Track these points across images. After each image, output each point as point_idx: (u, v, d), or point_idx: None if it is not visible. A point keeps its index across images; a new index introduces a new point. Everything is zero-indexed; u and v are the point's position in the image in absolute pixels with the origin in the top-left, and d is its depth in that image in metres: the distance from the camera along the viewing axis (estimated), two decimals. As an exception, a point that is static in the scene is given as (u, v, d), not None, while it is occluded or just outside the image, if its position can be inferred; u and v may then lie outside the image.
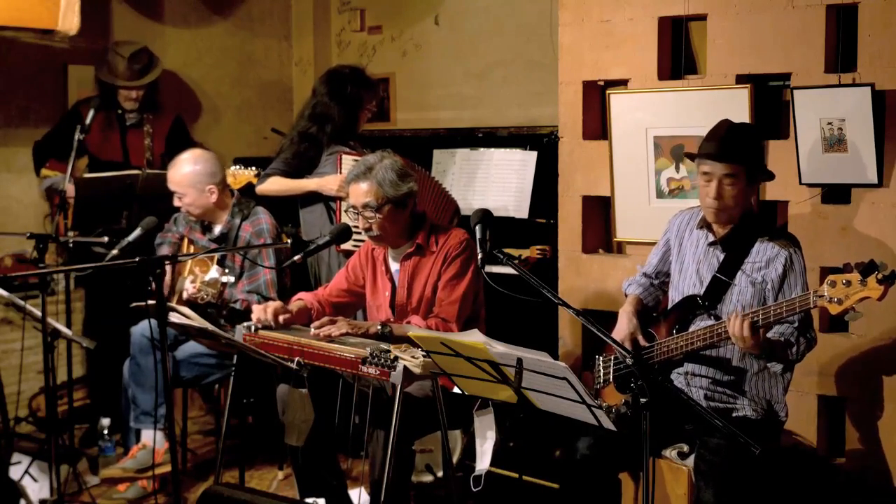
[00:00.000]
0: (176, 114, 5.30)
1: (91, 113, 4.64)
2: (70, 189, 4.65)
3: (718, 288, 3.23)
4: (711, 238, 3.28)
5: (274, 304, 3.57)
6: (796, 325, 3.10)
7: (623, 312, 3.43)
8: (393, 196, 3.52)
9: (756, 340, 2.94)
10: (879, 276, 2.75)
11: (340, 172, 4.43)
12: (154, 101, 5.16)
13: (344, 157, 4.45)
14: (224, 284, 4.01)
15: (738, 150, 3.16)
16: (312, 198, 4.58)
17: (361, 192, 3.53)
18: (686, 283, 3.34)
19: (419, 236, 3.62)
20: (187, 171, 4.26)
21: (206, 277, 3.95)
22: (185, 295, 4.06)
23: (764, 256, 3.18)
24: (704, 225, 3.30)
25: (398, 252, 3.66)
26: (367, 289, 3.76)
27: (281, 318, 3.53)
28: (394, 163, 3.58)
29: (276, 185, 4.54)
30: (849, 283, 2.79)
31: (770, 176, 3.29)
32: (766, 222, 3.34)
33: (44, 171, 5.03)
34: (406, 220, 3.61)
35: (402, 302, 3.63)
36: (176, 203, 4.31)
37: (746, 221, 3.24)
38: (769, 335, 3.06)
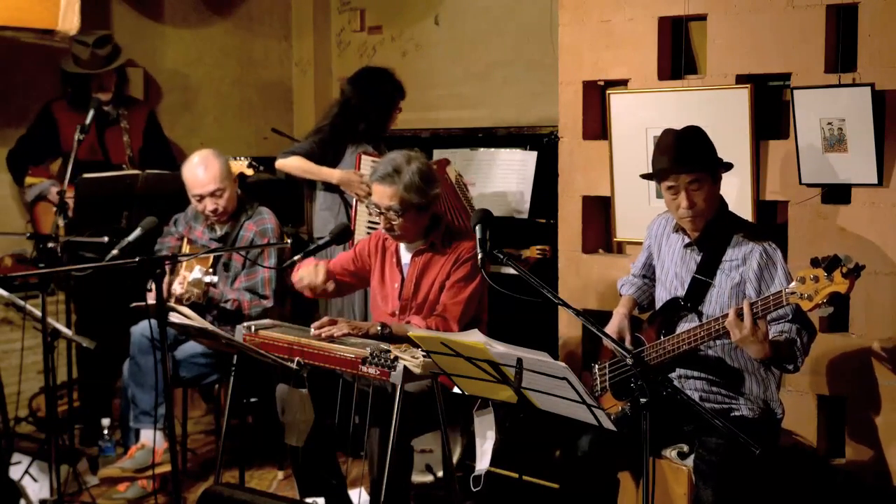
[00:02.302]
0: (149, 108, 5.20)
1: (91, 113, 4.60)
2: (70, 189, 4.62)
3: (699, 289, 3.24)
4: (687, 240, 3.29)
5: (324, 266, 3.60)
6: (790, 317, 3.09)
7: (616, 313, 3.46)
8: (418, 202, 3.51)
9: (755, 329, 2.88)
10: (844, 269, 2.77)
11: (359, 171, 4.45)
12: (124, 93, 5.01)
13: (363, 157, 4.48)
14: (208, 284, 4.01)
15: (694, 155, 3.16)
16: (331, 196, 4.58)
17: (387, 195, 3.50)
18: (669, 286, 3.36)
19: (434, 234, 3.63)
20: (220, 165, 4.24)
21: (190, 277, 3.94)
22: (172, 296, 4.05)
23: (739, 253, 3.18)
24: (679, 228, 3.32)
25: (412, 246, 3.67)
26: (373, 277, 3.76)
27: (330, 285, 3.59)
28: (421, 166, 3.54)
29: (297, 163, 4.53)
30: (816, 279, 2.81)
31: (728, 165, 3.27)
32: (738, 219, 3.34)
33: (28, 179, 4.87)
34: (426, 222, 3.61)
35: (408, 296, 3.63)
36: (210, 207, 4.23)
37: (720, 220, 3.25)
38: (773, 330, 3.05)
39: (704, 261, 3.24)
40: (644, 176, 3.38)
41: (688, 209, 3.17)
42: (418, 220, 3.57)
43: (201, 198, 4.25)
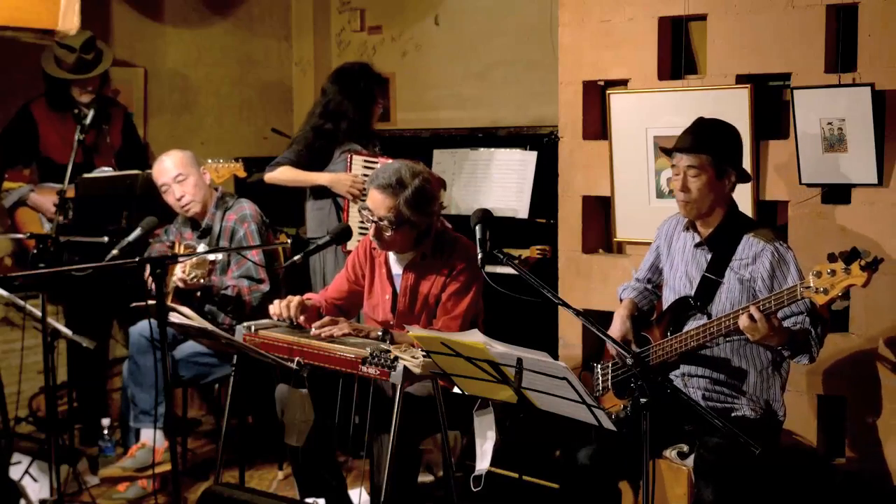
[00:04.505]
0: (125, 108, 5.13)
1: (91, 113, 4.59)
2: (70, 191, 4.60)
3: (708, 287, 3.24)
4: (697, 239, 3.30)
5: (296, 300, 3.52)
6: (805, 313, 3.10)
7: (617, 315, 3.46)
8: (415, 219, 3.43)
9: (771, 326, 2.91)
10: (862, 262, 2.78)
11: (350, 172, 4.45)
12: (105, 94, 4.91)
13: (354, 157, 4.48)
14: (213, 262, 4.00)
15: (701, 142, 3.19)
16: (322, 195, 4.59)
17: (384, 206, 3.39)
18: (677, 285, 3.36)
19: (425, 245, 3.56)
20: (181, 154, 4.33)
21: (194, 258, 3.92)
22: (177, 282, 4.03)
23: (750, 252, 3.19)
24: (690, 226, 3.32)
25: (402, 257, 3.60)
26: (364, 286, 3.74)
27: (302, 318, 3.49)
28: (425, 183, 3.43)
29: (286, 174, 4.55)
30: (833, 273, 2.81)
31: (746, 178, 3.29)
32: (748, 219, 3.34)
33: (6, 184, 4.74)
34: (416, 234, 3.52)
35: (403, 309, 3.60)
36: (177, 193, 4.27)
37: (730, 220, 3.26)
38: (785, 325, 3.05)
39: (714, 259, 3.25)
40: (662, 149, 3.39)
41: (680, 191, 3.21)
42: (410, 235, 3.49)
43: (167, 187, 4.31)
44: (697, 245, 3.30)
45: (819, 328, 3.10)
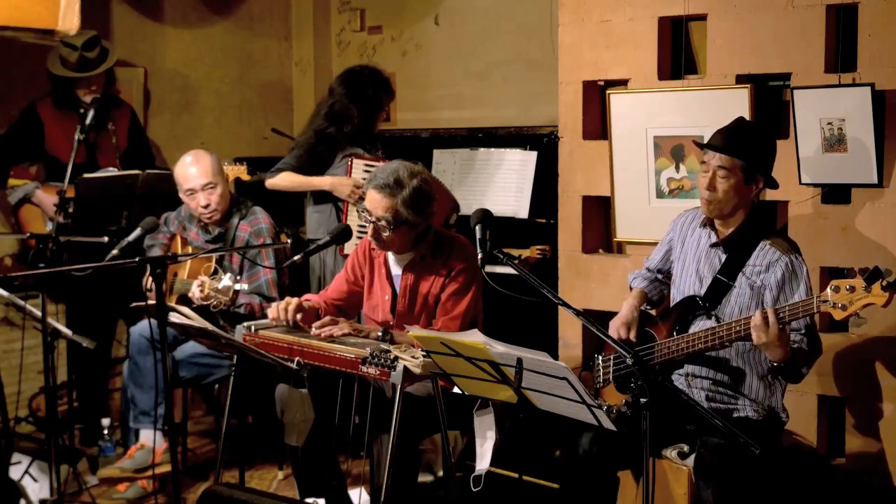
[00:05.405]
0: (131, 108, 5.10)
1: (91, 112, 4.59)
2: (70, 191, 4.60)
3: (719, 289, 3.23)
4: (714, 239, 3.29)
5: (294, 302, 3.52)
6: (803, 331, 3.09)
7: (626, 303, 3.42)
8: (412, 220, 3.44)
9: (780, 335, 2.89)
10: (884, 282, 2.74)
11: (350, 176, 4.45)
12: (110, 94, 4.87)
13: (355, 161, 4.47)
14: (237, 292, 3.94)
15: (737, 144, 3.17)
16: (323, 197, 4.59)
17: (381, 206, 3.41)
18: (686, 282, 3.34)
19: (423, 245, 3.56)
20: (211, 160, 4.25)
21: (220, 285, 3.83)
22: (193, 301, 4.00)
23: (764, 260, 3.17)
24: (707, 224, 3.31)
25: (401, 258, 3.61)
26: (364, 287, 3.74)
27: (299, 317, 3.49)
28: (423, 184, 3.44)
29: (286, 180, 4.53)
30: (853, 289, 2.78)
31: (773, 184, 3.28)
32: (768, 226, 3.33)
33: (11, 181, 4.74)
34: (414, 235, 3.53)
35: (403, 309, 3.60)
36: (203, 201, 4.20)
37: (749, 224, 3.24)
38: None
39: (728, 262, 3.23)
40: (696, 143, 3.38)
41: (706, 190, 3.19)
42: (408, 235, 3.50)
43: (193, 192, 4.23)
44: (713, 245, 3.29)
45: (814, 355, 3.10)
